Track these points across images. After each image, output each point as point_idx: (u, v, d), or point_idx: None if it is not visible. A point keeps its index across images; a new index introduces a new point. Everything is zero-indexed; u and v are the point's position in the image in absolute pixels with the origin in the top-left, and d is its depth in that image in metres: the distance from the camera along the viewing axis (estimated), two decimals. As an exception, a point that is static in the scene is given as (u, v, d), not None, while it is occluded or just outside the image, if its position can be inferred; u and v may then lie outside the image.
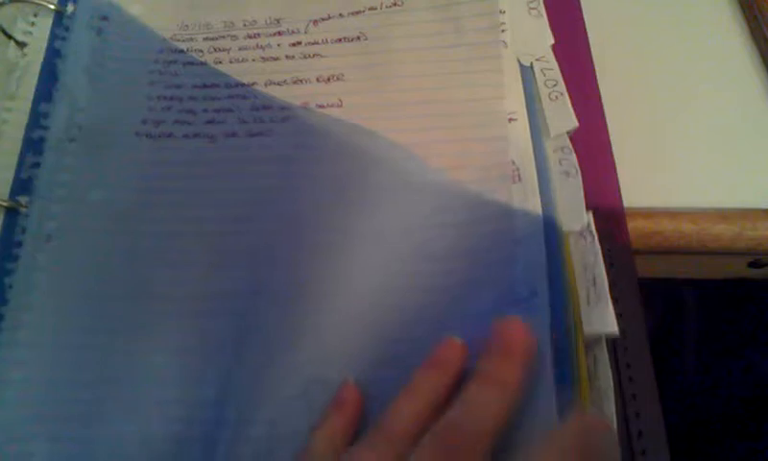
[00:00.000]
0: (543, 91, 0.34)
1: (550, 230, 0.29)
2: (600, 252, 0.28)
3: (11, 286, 0.32)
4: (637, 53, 0.39)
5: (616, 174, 0.34)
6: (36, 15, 0.38)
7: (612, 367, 0.28)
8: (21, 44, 0.37)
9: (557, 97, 0.34)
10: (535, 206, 0.30)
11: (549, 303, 0.27)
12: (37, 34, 0.38)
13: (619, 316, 0.31)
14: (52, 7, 0.38)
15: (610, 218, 0.33)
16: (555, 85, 0.34)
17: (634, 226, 0.34)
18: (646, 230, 0.35)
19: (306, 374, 0.29)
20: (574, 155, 0.32)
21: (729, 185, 0.36)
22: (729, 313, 0.38)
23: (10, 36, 0.37)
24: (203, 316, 0.31)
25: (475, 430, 0.23)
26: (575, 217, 0.30)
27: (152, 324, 0.31)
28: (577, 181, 0.31)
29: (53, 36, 0.37)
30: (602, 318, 0.27)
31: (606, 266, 0.32)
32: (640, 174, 0.35)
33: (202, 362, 0.30)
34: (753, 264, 0.37)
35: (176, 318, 0.31)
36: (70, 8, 0.38)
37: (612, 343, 0.30)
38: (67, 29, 0.38)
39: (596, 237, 0.28)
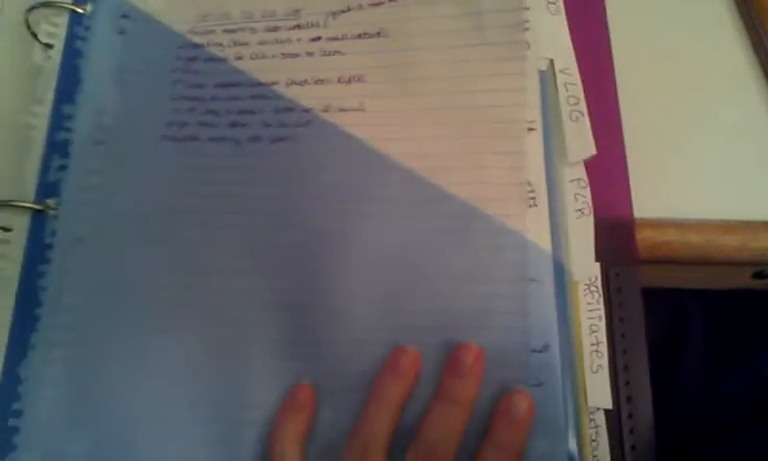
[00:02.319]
0: (565, 109, 0.33)
1: (560, 276, 0.29)
2: (604, 315, 0.28)
3: (44, 288, 0.33)
4: (648, 66, 0.39)
5: (630, 194, 0.35)
6: (58, 16, 0.37)
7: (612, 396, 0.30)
8: (47, 46, 0.37)
9: (577, 118, 0.33)
10: (547, 242, 0.30)
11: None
12: (61, 34, 0.37)
13: (622, 336, 0.33)
14: (70, 6, 0.37)
15: (621, 238, 0.33)
16: (576, 104, 0.33)
17: (641, 236, 0.35)
18: (653, 241, 0.36)
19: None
20: (588, 189, 0.31)
21: (733, 197, 0.37)
22: (733, 324, 0.39)
23: (36, 38, 0.37)
24: (232, 324, 0.32)
25: (447, 448, 0.27)
26: (585, 266, 0.30)
27: (187, 328, 0.32)
28: (589, 222, 0.31)
29: (72, 37, 0.37)
30: (600, 391, 0.27)
31: (614, 289, 0.33)
32: (649, 185, 0.36)
33: (240, 369, 0.31)
34: (757, 275, 0.38)
35: (200, 321, 0.32)
36: (89, 7, 0.38)
37: (613, 365, 0.32)
38: (87, 28, 0.37)
39: (602, 296, 0.28)
